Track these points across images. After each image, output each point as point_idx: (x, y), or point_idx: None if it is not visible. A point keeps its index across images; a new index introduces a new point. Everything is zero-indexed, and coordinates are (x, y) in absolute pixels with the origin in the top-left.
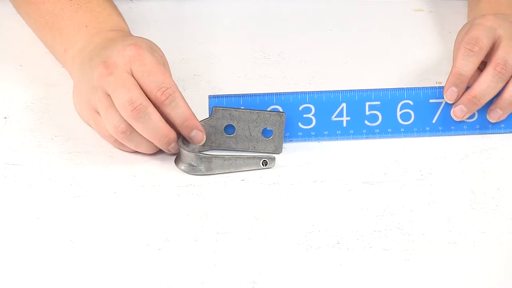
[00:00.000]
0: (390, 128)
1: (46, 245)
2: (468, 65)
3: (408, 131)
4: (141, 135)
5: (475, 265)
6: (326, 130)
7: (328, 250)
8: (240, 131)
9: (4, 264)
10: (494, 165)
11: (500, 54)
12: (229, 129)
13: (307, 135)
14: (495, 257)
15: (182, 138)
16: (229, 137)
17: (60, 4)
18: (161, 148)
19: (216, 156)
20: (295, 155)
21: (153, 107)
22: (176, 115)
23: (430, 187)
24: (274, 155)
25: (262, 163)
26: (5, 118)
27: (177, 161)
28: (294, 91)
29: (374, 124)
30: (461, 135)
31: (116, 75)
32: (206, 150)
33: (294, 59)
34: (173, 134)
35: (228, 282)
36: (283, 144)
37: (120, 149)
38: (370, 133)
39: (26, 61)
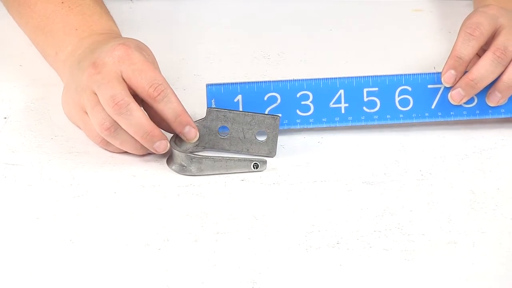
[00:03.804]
0: (389, 114)
1: (46, 245)
2: (468, 49)
3: (407, 117)
4: (126, 133)
5: (475, 265)
6: (324, 117)
7: (328, 250)
8: (234, 133)
9: (4, 264)
10: (494, 165)
11: (500, 40)
12: (223, 130)
13: (305, 122)
14: (495, 257)
15: (175, 138)
16: (223, 138)
17: (52, 7)
18: (146, 146)
19: (207, 157)
20: (295, 155)
21: (136, 103)
22: (169, 110)
23: (430, 187)
24: (267, 158)
25: (253, 165)
26: (5, 118)
27: (168, 161)
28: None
29: (372, 111)
30: (461, 119)
31: (103, 74)
32: (200, 151)
33: (294, 59)
34: (157, 132)
35: (228, 282)
36: (283, 144)
37: (107, 150)
38: (369, 119)
39: (26, 61)
